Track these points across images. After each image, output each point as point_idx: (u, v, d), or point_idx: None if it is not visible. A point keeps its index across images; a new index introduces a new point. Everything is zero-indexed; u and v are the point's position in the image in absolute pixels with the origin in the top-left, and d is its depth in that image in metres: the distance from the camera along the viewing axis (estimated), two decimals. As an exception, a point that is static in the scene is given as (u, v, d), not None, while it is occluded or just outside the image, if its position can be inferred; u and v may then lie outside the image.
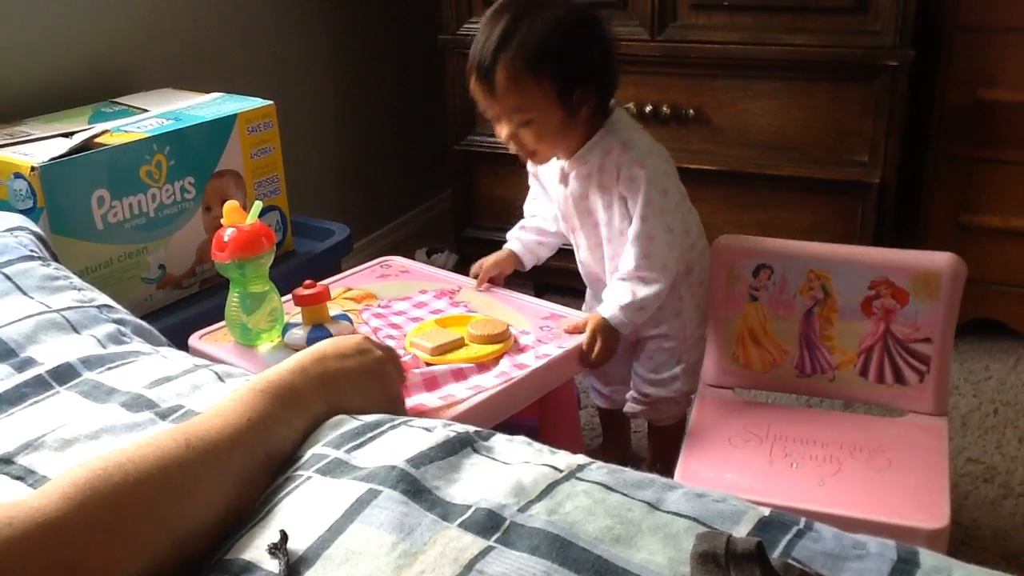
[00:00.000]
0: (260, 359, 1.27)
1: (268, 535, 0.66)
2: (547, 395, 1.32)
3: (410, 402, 1.15)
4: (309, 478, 0.72)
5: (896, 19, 1.83)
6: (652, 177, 1.36)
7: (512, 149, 1.39)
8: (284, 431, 0.77)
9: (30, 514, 0.59)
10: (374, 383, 0.89)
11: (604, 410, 1.68)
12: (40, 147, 1.43)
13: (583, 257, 1.52)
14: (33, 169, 1.35)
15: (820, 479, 1.25)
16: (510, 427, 0.85)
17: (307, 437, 0.78)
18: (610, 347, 1.36)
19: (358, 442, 0.76)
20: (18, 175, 1.37)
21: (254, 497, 0.71)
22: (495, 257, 1.52)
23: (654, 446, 1.62)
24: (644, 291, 1.37)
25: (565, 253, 1.59)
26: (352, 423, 0.79)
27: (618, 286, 1.40)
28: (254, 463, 0.72)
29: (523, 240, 1.55)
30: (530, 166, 1.52)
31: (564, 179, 1.44)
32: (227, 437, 0.71)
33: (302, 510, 0.68)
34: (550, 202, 1.53)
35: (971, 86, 1.89)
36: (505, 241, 1.58)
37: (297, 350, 1.26)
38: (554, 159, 1.44)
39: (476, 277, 1.50)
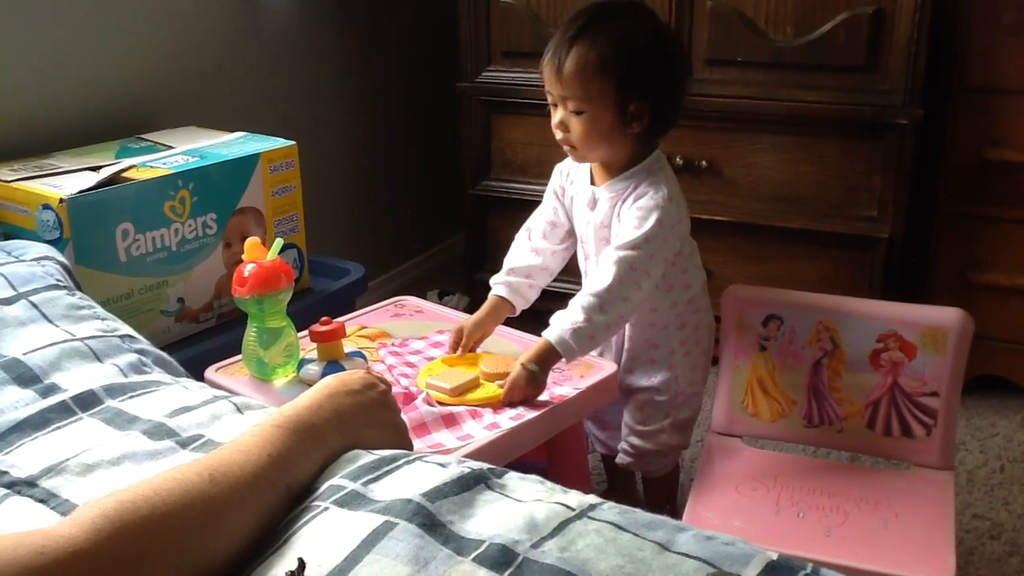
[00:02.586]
0: (275, 393, 1.29)
1: (286, 564, 0.67)
2: (556, 437, 1.33)
3: (428, 440, 1.16)
4: (326, 509, 0.73)
5: (905, 79, 1.87)
6: (664, 220, 1.35)
7: (557, 136, 1.39)
8: (303, 465, 0.78)
9: (60, 543, 0.60)
10: (384, 416, 0.91)
11: (606, 456, 1.68)
12: (68, 180, 1.46)
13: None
14: (61, 201, 1.39)
15: (826, 529, 1.26)
16: (519, 468, 0.86)
17: (324, 470, 0.80)
18: (541, 380, 1.28)
19: (374, 475, 0.77)
20: (46, 206, 1.40)
21: (273, 529, 0.73)
22: (476, 317, 1.44)
23: (648, 497, 1.62)
24: (600, 317, 1.31)
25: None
26: (368, 457, 0.81)
27: (574, 307, 1.33)
28: (275, 497, 0.74)
29: (512, 284, 1.48)
30: (554, 182, 1.51)
31: (593, 204, 1.44)
32: (249, 472, 0.73)
33: (319, 540, 0.69)
34: (555, 226, 1.52)
35: (978, 146, 1.92)
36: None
37: (311, 385, 1.29)
38: (587, 184, 1.44)
39: (456, 344, 1.39)
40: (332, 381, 0.91)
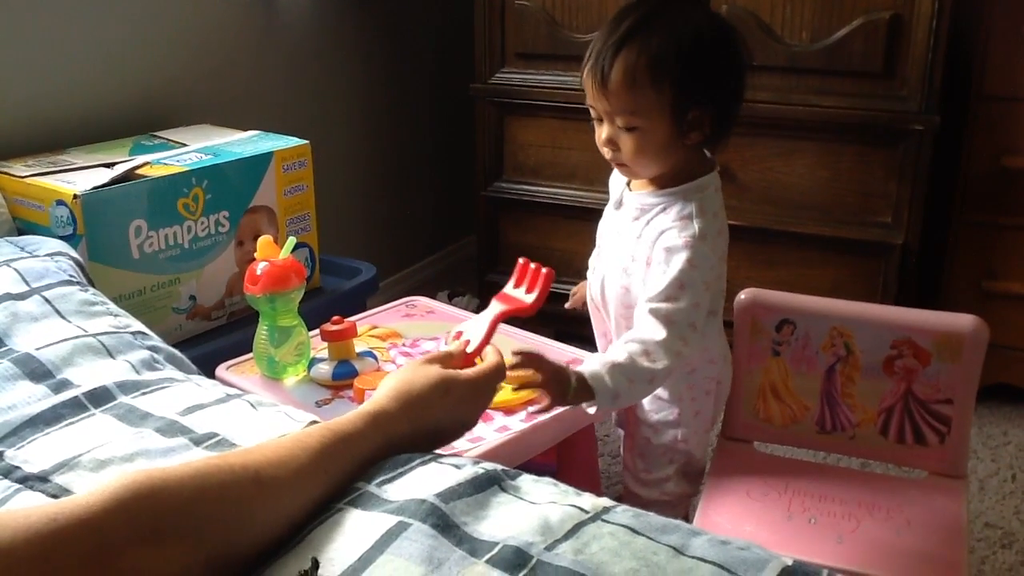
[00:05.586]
0: (285, 392, 1.29)
1: (300, 563, 0.67)
2: (565, 440, 1.32)
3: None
4: (341, 509, 0.73)
5: (923, 85, 1.86)
6: (697, 263, 1.19)
7: (606, 155, 1.23)
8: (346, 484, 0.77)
9: (76, 511, 0.60)
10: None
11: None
12: (82, 176, 1.47)
13: (591, 280, 1.40)
14: (75, 197, 1.39)
15: (838, 536, 1.25)
16: (529, 471, 0.86)
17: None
18: (557, 396, 1.13)
19: (389, 476, 0.77)
20: (60, 202, 1.40)
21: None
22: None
23: None
24: (646, 363, 1.16)
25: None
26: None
27: (619, 347, 1.19)
28: (313, 510, 0.73)
29: None
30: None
31: (619, 204, 1.32)
32: (296, 485, 0.71)
33: (333, 540, 0.69)
34: None
35: (995, 153, 1.91)
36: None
37: (322, 384, 1.29)
38: (623, 184, 1.32)
39: (574, 295, 1.51)
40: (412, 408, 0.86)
